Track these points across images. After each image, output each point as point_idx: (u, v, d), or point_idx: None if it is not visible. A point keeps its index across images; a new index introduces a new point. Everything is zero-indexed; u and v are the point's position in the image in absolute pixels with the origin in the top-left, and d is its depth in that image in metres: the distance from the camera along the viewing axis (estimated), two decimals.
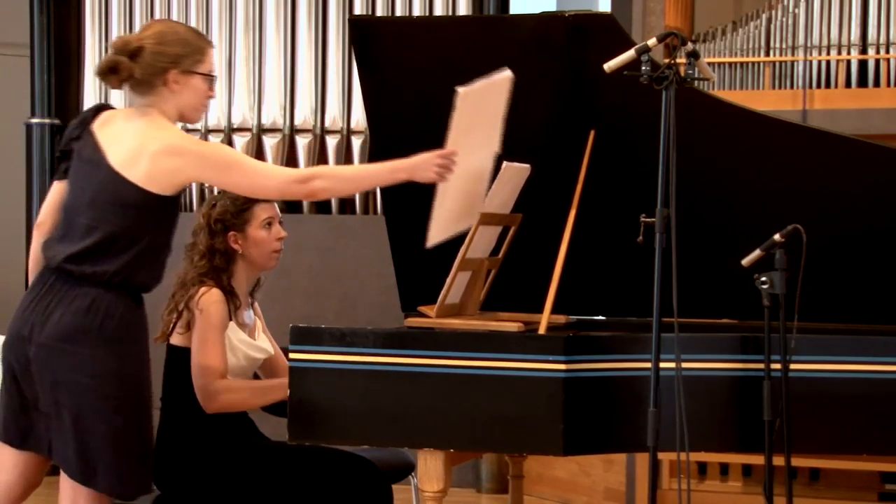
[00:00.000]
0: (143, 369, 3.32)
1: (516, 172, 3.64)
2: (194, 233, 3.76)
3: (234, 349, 3.69)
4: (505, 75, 3.52)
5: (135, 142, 3.26)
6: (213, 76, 3.39)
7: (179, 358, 3.65)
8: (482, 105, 3.50)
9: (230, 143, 6.72)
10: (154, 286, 3.41)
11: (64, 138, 3.42)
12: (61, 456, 3.25)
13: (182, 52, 3.31)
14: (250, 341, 3.77)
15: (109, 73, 3.30)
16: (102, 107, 3.41)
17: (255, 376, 3.89)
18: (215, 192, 3.88)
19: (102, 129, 3.32)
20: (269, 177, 3.36)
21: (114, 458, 3.22)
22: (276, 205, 3.84)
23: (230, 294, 3.70)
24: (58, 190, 3.41)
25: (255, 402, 3.73)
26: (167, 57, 3.30)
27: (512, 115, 3.92)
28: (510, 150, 3.70)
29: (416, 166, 3.34)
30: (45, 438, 3.26)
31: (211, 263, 3.69)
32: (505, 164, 3.52)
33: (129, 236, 3.25)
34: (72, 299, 3.24)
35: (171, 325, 3.68)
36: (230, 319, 3.69)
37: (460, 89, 3.36)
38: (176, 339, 3.68)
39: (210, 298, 3.63)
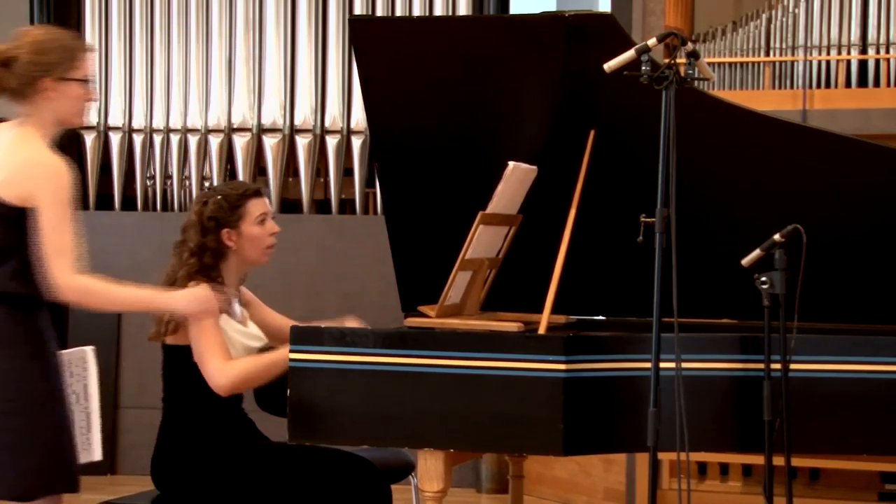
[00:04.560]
0: (31, 369, 3.24)
1: (523, 174, 3.63)
2: (184, 230, 3.73)
3: (231, 342, 3.66)
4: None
5: (2, 156, 3.23)
6: (88, 80, 3.31)
7: (176, 357, 3.63)
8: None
9: (230, 143, 6.72)
10: (43, 296, 3.27)
11: None
12: None
13: (56, 59, 3.25)
14: (244, 329, 3.75)
15: None
16: None
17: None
18: (205, 190, 3.83)
19: None
20: (56, 255, 3.18)
21: (12, 461, 3.18)
22: (266, 200, 3.80)
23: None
24: None
25: (263, 374, 3.62)
26: (40, 66, 3.23)
27: (512, 116, 3.93)
28: (511, 150, 3.70)
29: (177, 300, 3.44)
30: None
31: (201, 261, 3.67)
32: (512, 164, 3.52)
33: (2, 249, 3.21)
34: None
35: (165, 325, 3.66)
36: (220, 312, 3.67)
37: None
38: (170, 339, 3.66)
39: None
